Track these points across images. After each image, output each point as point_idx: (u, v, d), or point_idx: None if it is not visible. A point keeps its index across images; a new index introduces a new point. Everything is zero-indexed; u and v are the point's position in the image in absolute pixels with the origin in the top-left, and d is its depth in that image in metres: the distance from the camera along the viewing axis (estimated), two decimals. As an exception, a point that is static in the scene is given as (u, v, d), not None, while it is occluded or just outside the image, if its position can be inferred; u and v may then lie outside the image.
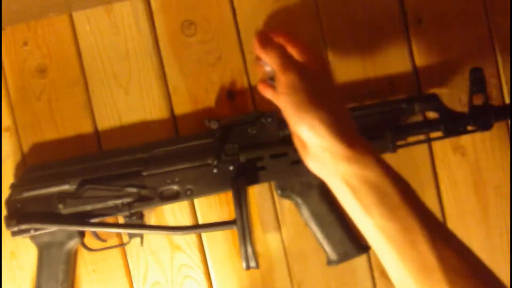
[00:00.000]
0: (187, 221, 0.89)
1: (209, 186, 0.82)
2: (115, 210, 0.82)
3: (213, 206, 0.89)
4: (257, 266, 0.77)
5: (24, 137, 0.90)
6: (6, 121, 0.90)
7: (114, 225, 0.84)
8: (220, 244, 0.90)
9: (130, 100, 0.90)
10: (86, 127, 0.90)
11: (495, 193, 0.90)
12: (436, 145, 0.90)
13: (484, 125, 0.81)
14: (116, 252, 0.90)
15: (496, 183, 0.90)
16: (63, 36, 0.90)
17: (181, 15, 0.89)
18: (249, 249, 0.76)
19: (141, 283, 0.90)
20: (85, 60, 0.90)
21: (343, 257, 0.83)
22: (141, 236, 0.85)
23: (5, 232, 0.84)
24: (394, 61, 0.89)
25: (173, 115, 0.90)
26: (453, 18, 0.89)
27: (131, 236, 0.84)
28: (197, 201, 0.90)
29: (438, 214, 0.90)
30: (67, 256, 0.84)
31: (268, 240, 0.90)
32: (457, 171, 0.90)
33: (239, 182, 0.79)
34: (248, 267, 0.77)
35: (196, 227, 0.87)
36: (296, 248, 0.90)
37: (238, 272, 0.90)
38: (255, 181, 0.82)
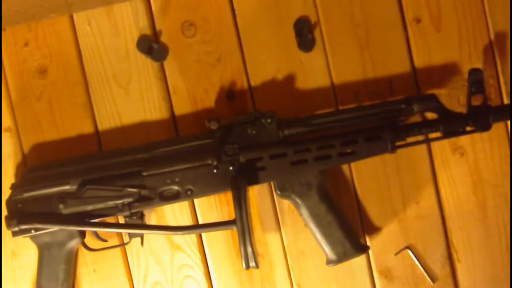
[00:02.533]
0: (187, 221, 0.89)
1: (209, 186, 0.82)
2: (116, 210, 0.82)
3: (213, 206, 0.90)
4: (257, 266, 0.77)
5: (24, 137, 0.90)
6: (7, 121, 0.90)
7: (115, 225, 0.85)
8: (220, 244, 0.90)
9: (130, 101, 0.90)
10: (86, 128, 0.90)
11: (494, 193, 0.90)
12: (435, 145, 0.90)
13: (483, 126, 0.81)
14: (116, 252, 0.90)
15: (495, 183, 0.90)
16: (64, 37, 0.90)
17: (181, 16, 0.90)
18: (249, 249, 0.76)
19: (142, 283, 0.90)
20: (86, 61, 0.90)
21: (342, 257, 0.83)
22: (142, 236, 0.85)
23: (6, 232, 0.84)
24: (393, 61, 0.90)
25: (173, 116, 0.90)
26: (452, 18, 0.90)
27: (131, 236, 0.85)
28: (197, 201, 0.90)
29: (437, 214, 0.90)
30: (68, 256, 0.84)
31: (268, 240, 0.90)
32: (456, 171, 0.90)
33: (239, 182, 0.79)
34: (248, 267, 0.77)
35: (196, 227, 0.88)
36: (296, 248, 0.90)
37: (238, 272, 0.90)
38: (254, 181, 0.82)
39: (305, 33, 0.88)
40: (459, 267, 0.90)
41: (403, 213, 0.90)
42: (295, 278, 0.90)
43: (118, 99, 0.90)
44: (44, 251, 0.84)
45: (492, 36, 0.90)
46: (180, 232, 0.82)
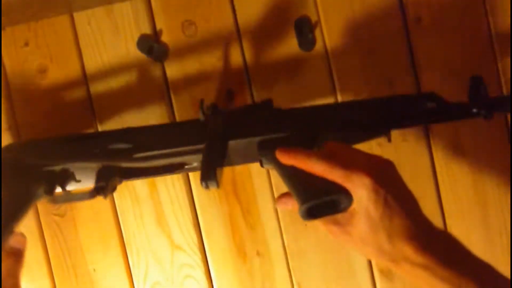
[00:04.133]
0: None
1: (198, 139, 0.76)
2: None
3: (212, 200, 0.89)
4: (218, 186, 0.68)
5: (25, 137, 0.90)
6: (7, 121, 0.90)
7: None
8: (221, 243, 0.90)
9: (130, 101, 0.90)
10: (86, 128, 0.90)
11: (494, 192, 0.90)
12: (436, 144, 0.90)
13: (485, 114, 0.79)
14: (116, 251, 0.90)
15: (496, 182, 0.90)
16: (64, 37, 0.90)
17: (181, 15, 0.90)
18: (210, 168, 0.68)
19: (142, 283, 0.90)
20: (86, 61, 0.90)
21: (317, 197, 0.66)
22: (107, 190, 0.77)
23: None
24: (393, 61, 0.89)
25: (173, 115, 0.90)
26: (453, 18, 0.90)
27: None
28: (197, 200, 0.90)
29: (437, 213, 0.90)
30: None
31: (268, 239, 0.90)
32: (457, 170, 0.90)
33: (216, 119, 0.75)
34: (207, 187, 0.68)
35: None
36: (297, 247, 0.90)
37: (238, 272, 0.90)
38: (239, 135, 0.75)
39: (305, 33, 0.88)
40: (459, 266, 0.90)
41: (403, 213, 0.90)
42: (296, 278, 0.90)
43: (119, 99, 0.90)
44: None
45: (493, 36, 0.90)
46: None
